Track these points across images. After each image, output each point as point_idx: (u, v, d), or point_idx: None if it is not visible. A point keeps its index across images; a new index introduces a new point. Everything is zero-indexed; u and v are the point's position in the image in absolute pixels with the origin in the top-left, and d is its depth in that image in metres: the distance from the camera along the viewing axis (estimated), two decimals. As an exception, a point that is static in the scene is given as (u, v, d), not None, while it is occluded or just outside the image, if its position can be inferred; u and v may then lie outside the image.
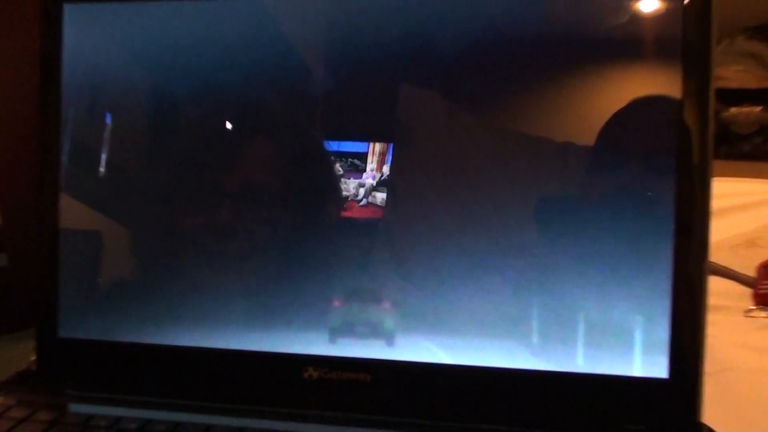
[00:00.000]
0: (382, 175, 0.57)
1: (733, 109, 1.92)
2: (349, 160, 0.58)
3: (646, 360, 0.52)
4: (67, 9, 0.61)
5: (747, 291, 0.88)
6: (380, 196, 0.57)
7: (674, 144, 0.52)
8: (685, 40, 0.52)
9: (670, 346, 0.52)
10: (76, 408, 0.56)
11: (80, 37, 0.61)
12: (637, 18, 0.54)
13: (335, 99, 0.58)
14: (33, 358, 0.61)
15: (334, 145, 0.58)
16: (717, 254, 0.95)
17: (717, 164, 0.52)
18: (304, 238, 0.58)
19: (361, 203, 0.58)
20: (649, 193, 0.53)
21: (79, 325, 0.61)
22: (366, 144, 0.58)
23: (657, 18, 0.53)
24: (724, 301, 0.85)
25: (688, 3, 0.52)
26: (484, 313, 0.55)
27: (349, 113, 0.58)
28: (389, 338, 0.55)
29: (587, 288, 0.54)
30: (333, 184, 0.57)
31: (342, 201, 0.57)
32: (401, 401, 0.56)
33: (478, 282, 0.55)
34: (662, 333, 0.52)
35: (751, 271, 0.89)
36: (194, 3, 0.60)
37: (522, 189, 0.55)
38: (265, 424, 0.54)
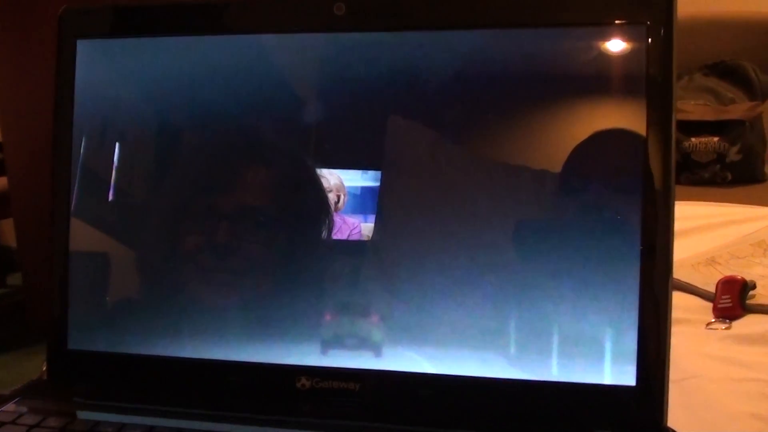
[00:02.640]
0: (371, 199, 0.56)
1: (694, 139, 1.94)
2: (341, 185, 0.57)
3: (615, 369, 0.52)
4: (80, 45, 0.61)
5: (707, 305, 0.88)
6: (370, 218, 0.58)
7: (640, 171, 0.52)
8: (648, 77, 0.53)
9: (637, 356, 0.52)
10: (84, 415, 0.56)
11: (91, 70, 0.61)
12: (605, 57, 0.54)
13: (328, 129, 0.59)
14: (44, 368, 0.61)
15: (326, 172, 0.58)
16: (680, 271, 0.96)
17: (680, 189, 0.53)
18: (297, 257, 0.58)
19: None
20: (618, 216, 0.53)
21: (87, 338, 0.61)
22: (357, 171, 0.58)
23: (623, 57, 0.54)
24: (686, 314, 0.85)
25: (651, 43, 0.53)
26: (464, 326, 0.54)
27: (341, 143, 0.59)
28: (377, 350, 0.55)
29: (560, 302, 0.54)
30: (324, 207, 0.57)
31: (333, 223, 0.58)
32: (388, 409, 0.56)
33: (460, 297, 0.55)
34: (630, 343, 0.52)
35: (711, 287, 0.90)
36: (197, 39, 0.61)
37: (500, 212, 0.55)
38: (261, 430, 0.54)
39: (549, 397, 0.53)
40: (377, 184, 0.58)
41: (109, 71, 0.62)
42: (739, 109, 1.97)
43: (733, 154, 1.93)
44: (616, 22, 0.54)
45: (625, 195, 0.53)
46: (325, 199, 0.57)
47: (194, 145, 0.62)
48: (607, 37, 0.54)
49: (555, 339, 0.54)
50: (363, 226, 0.58)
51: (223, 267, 0.59)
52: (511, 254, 0.55)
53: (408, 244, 0.57)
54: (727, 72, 2.06)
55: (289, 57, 0.60)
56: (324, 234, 0.58)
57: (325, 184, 0.58)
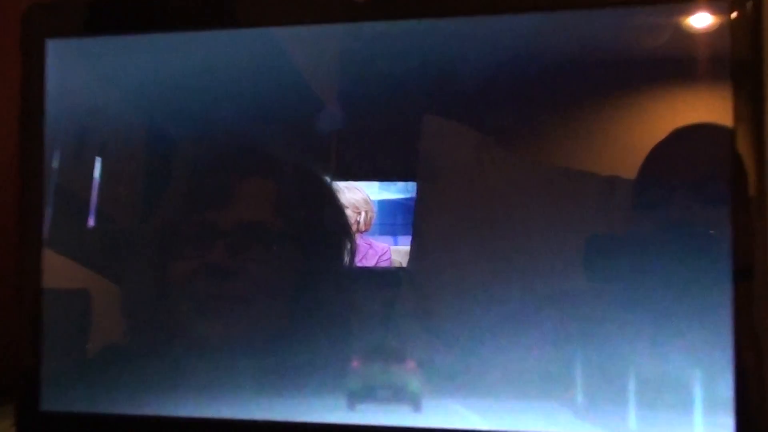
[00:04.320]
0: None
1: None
2: (368, 201, 0.57)
3: (708, 421, 0.50)
4: (51, 45, 0.60)
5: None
6: (403, 241, 0.56)
7: (729, 175, 0.50)
8: (734, 59, 0.51)
9: (735, 405, 0.49)
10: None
11: (66, 75, 0.60)
12: (681, 39, 0.53)
13: (349, 135, 0.58)
14: (12, 435, 0.59)
15: (347, 185, 0.57)
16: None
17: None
18: (315, 290, 0.56)
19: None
20: (706, 231, 0.51)
21: (64, 396, 0.58)
22: (385, 183, 0.57)
23: (701, 36, 0.52)
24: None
25: (736, 17, 0.51)
26: (521, 371, 0.53)
27: (365, 150, 0.58)
28: (415, 402, 0.53)
29: (638, 340, 0.51)
30: (343, 228, 0.57)
31: (355, 246, 0.57)
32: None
33: (514, 336, 0.53)
34: (725, 390, 0.49)
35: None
36: (192, 35, 0.59)
37: (562, 229, 0.54)
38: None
39: (628, 457, 0.51)
40: (410, 196, 0.56)
41: (86, 75, 0.61)
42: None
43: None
44: (693, -4, 0.52)
45: (713, 205, 0.51)
46: (343, 217, 0.56)
47: (190, 160, 0.61)
48: (682, 15, 0.53)
49: (632, 385, 0.51)
50: (394, 251, 0.57)
51: (228, 307, 0.58)
52: (577, 282, 0.53)
53: (450, 271, 0.55)
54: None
55: (302, 52, 0.59)
56: (345, 261, 0.57)
57: (346, 200, 0.57)
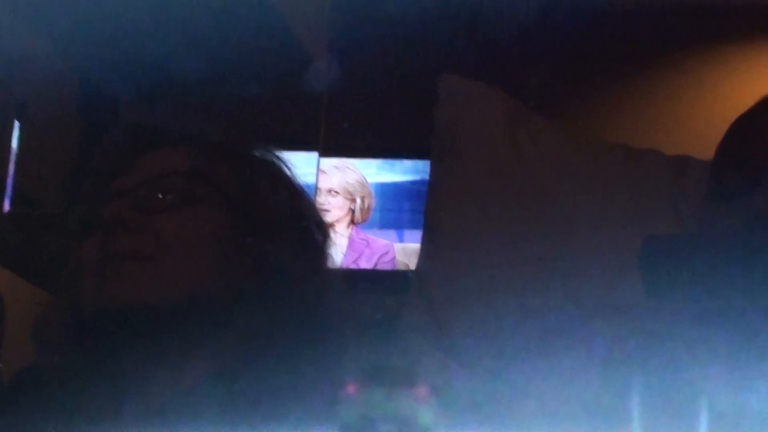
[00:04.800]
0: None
1: None
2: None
3: (799, 464, 0.48)
4: None
5: None
6: (411, 236, 0.52)
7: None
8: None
9: (835, 443, 0.47)
10: None
11: None
12: None
13: (340, 98, 0.53)
14: None
15: (336, 164, 0.52)
16: None
17: None
18: (298, 293, 0.51)
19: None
20: None
21: None
22: (388, 161, 0.52)
23: None
24: None
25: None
26: (562, 401, 0.49)
27: (362, 117, 0.53)
28: None
29: (711, 362, 0.47)
30: (307, 216, 0.52)
31: (328, 240, 0.53)
32: None
33: (553, 356, 0.50)
34: None
35: None
36: None
37: (616, 223, 0.50)
38: None
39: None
40: (420, 178, 0.52)
41: (7, 20, 0.54)
42: None
43: None
44: None
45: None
46: (307, 204, 0.52)
47: (133, 122, 0.56)
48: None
49: (703, 418, 0.47)
50: (399, 249, 0.52)
51: (184, 309, 0.51)
52: (633, 288, 0.49)
53: (472, 275, 0.51)
54: None
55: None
56: (328, 260, 0.52)
57: (337, 183, 0.51)
